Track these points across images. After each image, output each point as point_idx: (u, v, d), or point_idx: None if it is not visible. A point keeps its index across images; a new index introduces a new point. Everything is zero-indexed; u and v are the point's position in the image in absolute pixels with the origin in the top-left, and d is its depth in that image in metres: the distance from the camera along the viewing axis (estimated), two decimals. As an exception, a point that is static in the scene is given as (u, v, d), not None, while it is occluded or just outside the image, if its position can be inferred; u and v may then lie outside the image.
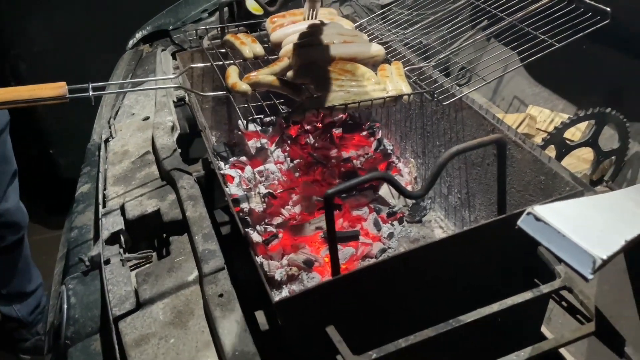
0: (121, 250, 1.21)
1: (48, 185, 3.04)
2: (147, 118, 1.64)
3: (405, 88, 1.30)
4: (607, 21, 1.29)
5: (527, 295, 0.94)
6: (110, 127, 1.64)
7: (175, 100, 1.74)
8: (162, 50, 2.03)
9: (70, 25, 2.75)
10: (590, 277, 0.61)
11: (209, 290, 1.03)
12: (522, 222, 0.66)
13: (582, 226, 0.67)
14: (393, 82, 1.32)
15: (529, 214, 0.65)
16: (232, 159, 1.70)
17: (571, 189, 1.04)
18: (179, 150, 1.51)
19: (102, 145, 1.57)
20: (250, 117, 1.24)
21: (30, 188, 2.87)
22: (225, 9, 2.23)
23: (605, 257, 0.61)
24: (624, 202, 0.99)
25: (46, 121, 2.93)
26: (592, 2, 1.33)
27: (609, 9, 1.29)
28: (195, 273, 1.09)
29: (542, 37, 1.33)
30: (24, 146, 2.72)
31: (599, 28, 1.29)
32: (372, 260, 1.39)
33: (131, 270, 1.19)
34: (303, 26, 1.48)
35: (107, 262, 1.18)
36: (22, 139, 2.58)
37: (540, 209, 0.65)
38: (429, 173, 0.92)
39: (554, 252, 0.63)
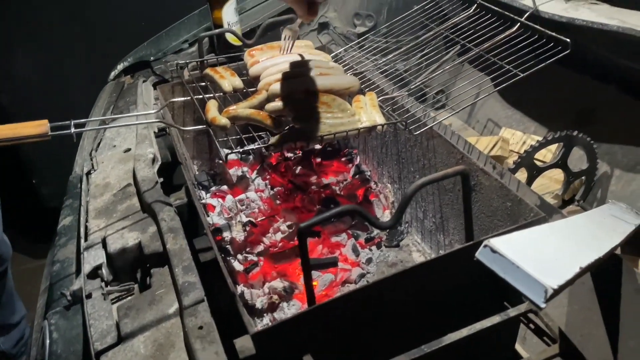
0: (102, 284, 1.22)
1: (31, 215, 3.03)
2: (128, 150, 1.67)
3: (378, 119, 1.35)
4: (567, 51, 1.36)
5: (495, 319, 0.98)
6: (92, 160, 1.66)
7: (157, 130, 1.77)
8: (144, 81, 2.07)
9: (53, 57, 2.78)
10: (543, 305, 0.65)
11: (189, 322, 1.05)
12: (479, 254, 0.70)
13: (537, 256, 0.71)
14: (367, 113, 1.37)
15: (485, 246, 0.69)
16: (213, 188, 1.73)
17: (535, 214, 1.08)
18: (160, 181, 1.54)
19: (84, 178, 1.60)
20: (229, 152, 1.28)
21: (13, 217, 2.86)
22: (206, 40, 2.28)
23: (556, 287, 0.65)
24: (585, 226, 1.03)
25: (29, 151, 2.94)
26: (554, 34, 1.40)
27: (569, 40, 1.36)
28: (176, 305, 1.11)
29: (507, 67, 1.39)
30: (6, 176, 2.72)
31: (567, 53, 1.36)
32: (352, 286, 1.43)
33: (113, 304, 1.21)
34: (281, 59, 1.53)
35: (89, 296, 1.19)
36: (5, 168, 2.59)
37: (495, 241, 0.69)
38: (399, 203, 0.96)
39: (509, 283, 0.67)
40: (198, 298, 1.09)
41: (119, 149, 1.68)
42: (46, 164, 2.93)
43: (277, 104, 1.37)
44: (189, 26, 2.27)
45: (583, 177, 1.67)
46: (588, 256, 0.81)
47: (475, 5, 1.69)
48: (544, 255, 0.73)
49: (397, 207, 0.95)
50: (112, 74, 2.17)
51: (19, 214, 2.96)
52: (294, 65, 1.49)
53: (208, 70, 1.61)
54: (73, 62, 2.80)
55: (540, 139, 1.58)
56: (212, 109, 1.39)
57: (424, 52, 1.79)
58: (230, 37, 2.12)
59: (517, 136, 1.91)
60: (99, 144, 1.75)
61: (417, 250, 1.57)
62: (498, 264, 0.68)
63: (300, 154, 1.85)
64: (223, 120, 1.34)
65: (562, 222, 1.00)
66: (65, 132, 1.26)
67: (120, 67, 2.17)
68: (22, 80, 2.83)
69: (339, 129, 1.31)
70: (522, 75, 1.35)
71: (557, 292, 0.66)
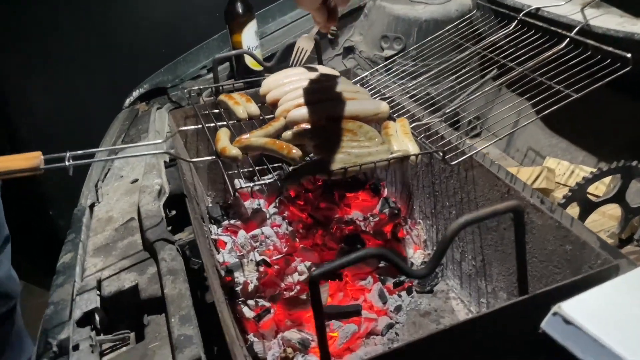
0: (92, 333, 1.08)
1: (47, 247, 2.95)
2: (135, 180, 1.54)
3: (412, 148, 1.18)
4: (628, 68, 1.18)
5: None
6: (97, 191, 1.54)
7: (168, 160, 1.65)
8: (158, 108, 1.96)
9: (71, 87, 2.75)
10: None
11: (182, 385, 0.89)
12: (547, 326, 0.52)
13: (626, 328, 0.53)
14: (398, 141, 1.21)
15: (555, 314, 0.51)
16: (225, 223, 1.58)
17: (603, 262, 0.89)
18: (172, 214, 1.40)
19: (87, 211, 1.47)
20: (239, 187, 1.13)
21: (29, 249, 2.78)
22: (226, 65, 2.18)
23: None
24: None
25: (45, 181, 2.88)
26: (611, 49, 1.23)
27: (629, 55, 1.18)
28: (170, 363, 0.95)
29: (558, 87, 1.22)
30: (22, 207, 2.65)
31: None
32: (377, 338, 1.24)
33: (103, 356, 1.06)
34: (302, 84, 1.39)
35: (76, 347, 1.05)
36: (21, 199, 2.52)
37: (569, 308, 0.51)
38: (437, 243, 0.79)
39: (592, 367, 0.49)
40: (194, 355, 0.92)
41: (126, 179, 1.56)
42: (63, 195, 2.85)
43: (296, 131, 1.22)
44: (208, 52, 2.17)
45: (644, 214, 1.47)
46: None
47: (516, 21, 1.53)
48: (635, 327, 0.54)
49: (434, 252, 0.78)
50: (127, 101, 2.08)
51: (35, 246, 2.89)
52: (315, 89, 1.34)
53: (222, 97, 1.48)
54: (91, 90, 2.76)
55: (591, 169, 1.40)
56: (222, 138, 1.25)
57: (458, 74, 1.64)
58: (250, 61, 2.01)
59: (564, 166, 1.73)
60: (106, 174, 1.63)
61: (454, 297, 1.37)
62: (575, 340, 0.50)
63: (321, 186, 1.69)
64: (234, 151, 1.19)
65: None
66: (59, 165, 1.13)
67: (135, 94, 2.08)
68: (40, 112, 2.81)
69: (366, 160, 1.15)
70: (575, 96, 1.18)
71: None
